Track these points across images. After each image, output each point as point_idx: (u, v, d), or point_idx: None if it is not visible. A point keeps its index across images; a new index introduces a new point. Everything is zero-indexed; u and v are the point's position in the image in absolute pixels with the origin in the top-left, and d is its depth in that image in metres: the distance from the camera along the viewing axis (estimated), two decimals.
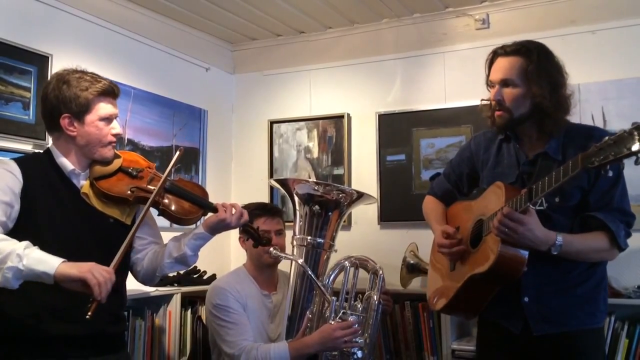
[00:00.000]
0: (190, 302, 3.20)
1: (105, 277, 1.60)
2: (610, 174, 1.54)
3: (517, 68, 1.93)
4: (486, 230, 1.92)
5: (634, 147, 1.43)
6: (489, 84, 2.02)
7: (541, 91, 1.89)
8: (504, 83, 1.94)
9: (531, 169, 1.95)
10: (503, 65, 1.96)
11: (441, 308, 2.12)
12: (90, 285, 1.57)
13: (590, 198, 1.88)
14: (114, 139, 1.93)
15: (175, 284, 3.12)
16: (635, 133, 1.43)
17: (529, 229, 1.75)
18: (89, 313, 1.58)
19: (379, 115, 3.51)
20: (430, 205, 2.31)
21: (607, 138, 1.51)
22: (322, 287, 2.19)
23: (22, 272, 1.57)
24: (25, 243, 1.62)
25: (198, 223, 2.11)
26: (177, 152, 2.00)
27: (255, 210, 2.55)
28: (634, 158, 1.45)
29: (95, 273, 1.59)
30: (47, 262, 1.59)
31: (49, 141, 2.63)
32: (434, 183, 2.37)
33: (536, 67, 1.91)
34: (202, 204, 2.01)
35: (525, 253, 1.81)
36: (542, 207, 1.70)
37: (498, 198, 1.88)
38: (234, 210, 1.97)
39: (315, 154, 3.68)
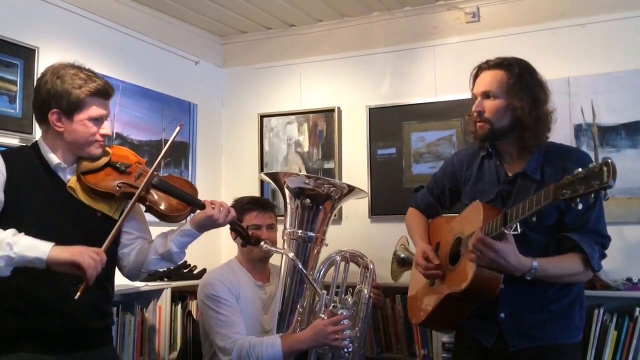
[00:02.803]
0: (180, 297, 3.19)
1: (96, 259, 1.63)
2: (580, 207, 1.55)
3: (498, 80, 1.95)
4: (464, 250, 1.94)
5: (602, 183, 1.45)
6: (473, 97, 2.04)
7: (521, 104, 1.91)
8: (485, 95, 1.97)
9: (510, 187, 1.96)
10: (485, 79, 1.99)
11: (420, 322, 2.16)
12: (83, 267, 1.60)
13: (567, 219, 1.89)
14: (101, 139, 1.90)
15: (165, 279, 3.11)
16: (605, 169, 1.45)
17: (502, 256, 1.75)
18: (78, 293, 1.61)
19: (369, 109, 3.50)
20: (414, 218, 2.33)
21: (579, 170, 1.52)
22: (312, 281, 2.18)
23: (13, 259, 1.58)
24: (12, 231, 1.62)
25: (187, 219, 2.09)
26: (169, 140, 1.96)
27: (247, 204, 2.54)
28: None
29: (86, 256, 1.61)
30: (37, 248, 1.60)
31: (36, 135, 2.61)
32: (417, 196, 2.39)
33: (517, 81, 1.93)
34: (190, 201, 1.99)
35: (500, 274, 1.84)
36: (516, 232, 1.71)
37: (476, 217, 1.89)
38: (221, 208, 1.96)
39: (306, 148, 3.67)
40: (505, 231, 1.73)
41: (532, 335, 1.90)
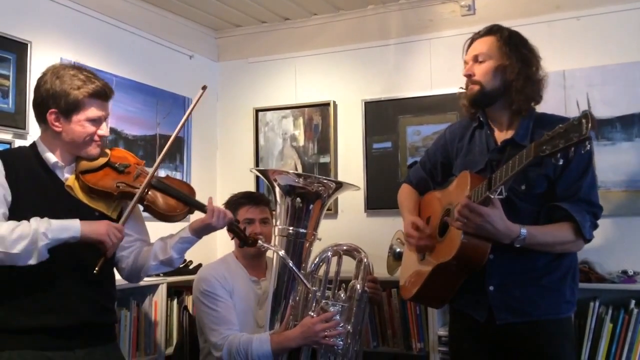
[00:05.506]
0: (176, 292, 3.19)
1: (118, 238, 1.82)
2: (561, 162, 1.54)
3: (487, 44, 2.00)
4: (450, 219, 1.92)
5: (581, 135, 1.44)
6: (465, 65, 2.06)
7: (510, 63, 1.94)
8: (475, 59, 2.00)
9: (499, 156, 1.95)
10: (476, 45, 2.04)
11: (411, 297, 2.13)
12: (106, 247, 1.79)
13: (558, 188, 1.87)
14: (98, 139, 1.92)
15: (161, 274, 3.09)
16: (584, 121, 1.44)
17: (489, 221, 1.74)
18: (97, 268, 1.78)
19: (364, 103, 3.49)
20: (405, 193, 2.32)
21: (558, 126, 1.51)
22: (302, 278, 2.16)
23: (49, 244, 1.70)
24: (38, 220, 1.70)
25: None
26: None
27: (241, 198, 2.54)
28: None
29: (111, 236, 1.79)
30: (69, 229, 1.73)
31: (30, 130, 2.61)
32: (410, 171, 2.38)
33: (506, 42, 1.97)
34: (189, 201, 2.00)
35: (488, 242, 1.81)
36: (501, 196, 1.70)
37: (464, 187, 1.88)
38: (218, 213, 1.98)
39: (301, 142, 3.66)
40: (491, 195, 1.71)
41: (520, 310, 1.88)
